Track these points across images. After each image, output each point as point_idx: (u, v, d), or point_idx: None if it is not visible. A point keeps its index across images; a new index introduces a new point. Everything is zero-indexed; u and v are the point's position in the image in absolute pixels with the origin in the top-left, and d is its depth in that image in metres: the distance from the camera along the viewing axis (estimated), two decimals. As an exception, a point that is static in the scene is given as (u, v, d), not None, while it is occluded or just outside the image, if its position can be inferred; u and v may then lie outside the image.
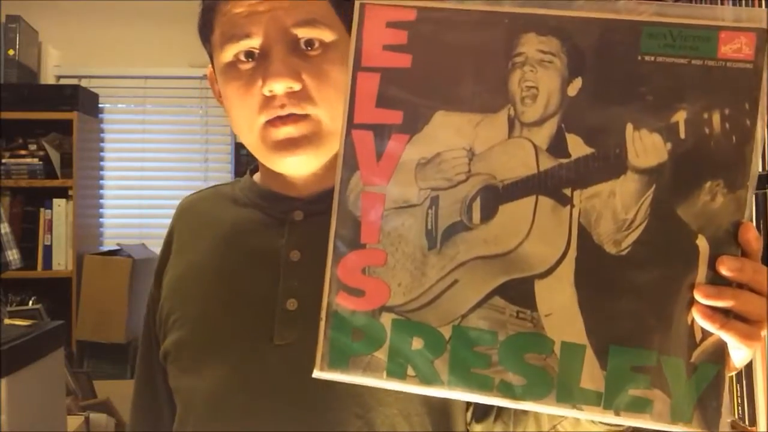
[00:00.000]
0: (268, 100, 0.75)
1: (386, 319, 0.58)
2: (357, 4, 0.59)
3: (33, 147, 3.07)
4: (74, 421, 2.24)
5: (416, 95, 0.58)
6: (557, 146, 0.56)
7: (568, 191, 0.56)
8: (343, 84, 0.78)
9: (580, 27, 0.56)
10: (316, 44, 0.76)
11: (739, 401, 1.06)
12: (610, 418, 0.56)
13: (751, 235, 0.54)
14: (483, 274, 0.57)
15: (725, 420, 0.55)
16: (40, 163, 3.04)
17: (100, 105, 3.48)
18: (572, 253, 0.56)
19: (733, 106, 0.54)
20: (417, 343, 0.58)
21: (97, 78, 3.57)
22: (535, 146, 0.57)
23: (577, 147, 0.56)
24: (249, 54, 0.76)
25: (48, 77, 3.46)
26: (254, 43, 0.75)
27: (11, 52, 3.16)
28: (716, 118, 0.55)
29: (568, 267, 0.56)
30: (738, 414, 1.07)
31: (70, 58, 3.53)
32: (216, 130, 3.62)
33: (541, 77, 0.56)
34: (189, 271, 0.86)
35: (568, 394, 0.56)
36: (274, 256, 0.80)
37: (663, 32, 0.55)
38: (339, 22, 0.78)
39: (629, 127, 0.55)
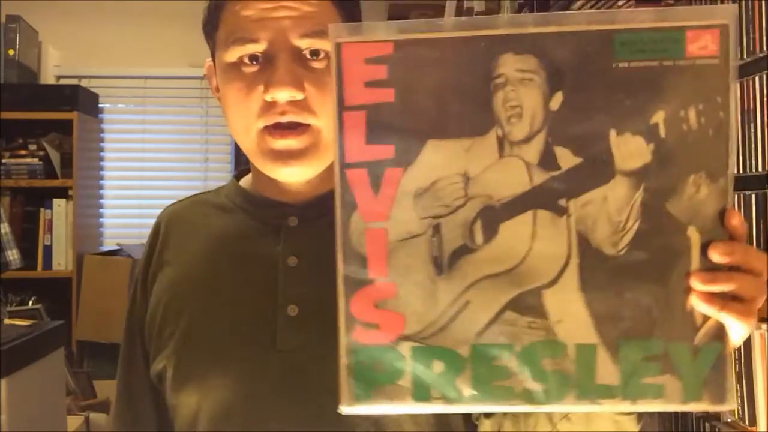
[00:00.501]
0: (268, 106, 0.75)
1: (405, 347, 0.59)
2: (332, 44, 0.59)
3: (33, 147, 3.07)
4: (74, 421, 2.24)
5: (405, 128, 0.59)
6: (547, 160, 0.58)
7: (563, 201, 0.58)
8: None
9: (555, 42, 0.58)
10: (322, 54, 0.76)
11: (739, 401, 1.06)
12: (627, 407, 0.60)
13: (736, 220, 0.58)
14: (492, 291, 0.59)
15: (732, 393, 0.59)
16: (40, 163, 3.05)
17: (100, 105, 3.48)
18: (574, 259, 0.59)
19: (706, 101, 0.57)
20: (438, 367, 0.59)
21: (97, 78, 3.57)
22: (526, 163, 0.58)
23: (566, 158, 0.58)
24: (253, 57, 0.76)
25: (48, 77, 3.46)
26: (260, 47, 0.75)
27: (11, 52, 3.16)
28: (692, 114, 0.57)
29: (572, 273, 0.59)
30: (738, 414, 1.07)
31: (70, 58, 3.53)
32: (216, 130, 3.62)
33: (523, 96, 0.58)
34: (181, 283, 0.83)
35: (586, 391, 0.59)
36: (271, 263, 0.79)
37: (633, 38, 0.57)
38: None
39: (612, 133, 0.58)
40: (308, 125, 0.76)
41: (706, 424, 1.14)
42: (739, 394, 1.06)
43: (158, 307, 0.83)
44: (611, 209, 0.58)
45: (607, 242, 0.58)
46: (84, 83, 3.45)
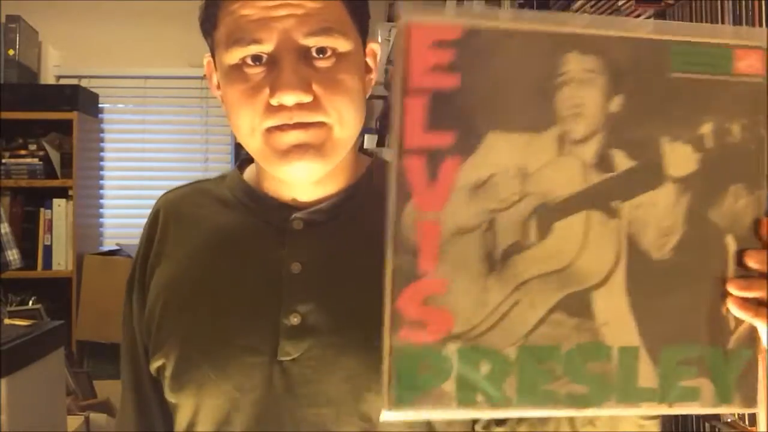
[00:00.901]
0: (275, 108, 0.72)
1: (451, 349, 0.57)
2: (401, 24, 0.56)
3: (33, 147, 3.07)
4: (74, 421, 2.24)
5: (468, 116, 0.57)
6: (603, 161, 0.59)
7: (615, 203, 0.59)
8: (356, 92, 0.76)
9: (618, 46, 0.58)
10: (329, 52, 0.73)
11: (739, 401, 1.06)
12: (665, 410, 0.61)
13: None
14: (542, 291, 0.58)
15: (762, 396, 0.61)
16: (40, 163, 3.04)
17: (100, 105, 3.48)
18: (623, 261, 0.59)
19: (749, 117, 0.60)
20: (485, 369, 0.58)
21: (97, 78, 3.56)
22: (582, 162, 0.59)
23: (621, 161, 0.59)
24: (256, 58, 0.73)
25: (48, 77, 3.46)
26: (264, 48, 0.72)
27: (11, 52, 3.16)
28: (736, 128, 0.60)
29: (620, 275, 0.59)
30: (738, 414, 1.07)
31: (70, 58, 3.53)
32: (216, 130, 3.62)
33: (585, 95, 0.58)
34: (181, 280, 0.81)
35: (628, 394, 0.59)
36: (274, 267, 0.77)
37: (689, 51, 0.59)
38: (353, 29, 0.76)
39: (665, 139, 0.59)
40: (316, 122, 0.73)
41: (706, 424, 1.14)
42: (739, 394, 1.06)
43: (157, 302, 0.81)
44: (660, 214, 0.59)
45: (654, 246, 0.59)
46: (84, 83, 3.45)
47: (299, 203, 0.80)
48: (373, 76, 0.83)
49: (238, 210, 0.83)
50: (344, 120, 0.74)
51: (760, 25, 1.08)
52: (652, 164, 0.59)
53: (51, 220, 3.07)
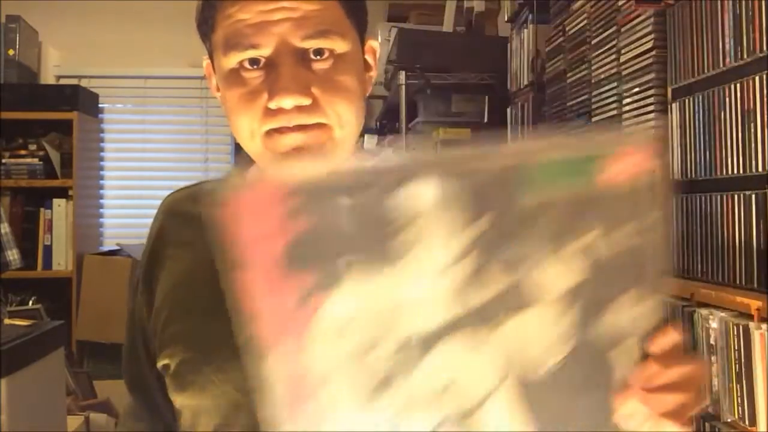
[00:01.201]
0: (274, 112, 0.72)
1: None
2: (222, 196, 0.56)
3: (33, 147, 3.07)
4: (74, 421, 2.24)
5: (322, 255, 0.56)
6: (477, 281, 0.57)
7: (492, 323, 0.57)
8: (355, 92, 0.75)
9: (479, 167, 0.56)
10: (326, 54, 0.73)
11: (739, 401, 1.06)
12: None
13: (668, 336, 0.60)
14: (422, 418, 0.58)
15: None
16: (40, 163, 3.05)
17: (100, 105, 3.48)
18: (508, 380, 0.58)
19: (637, 220, 0.58)
20: None
21: (97, 78, 3.57)
22: (453, 287, 0.56)
23: (497, 279, 0.57)
24: (254, 61, 0.73)
25: (48, 77, 3.46)
26: (261, 53, 0.72)
27: (11, 52, 3.16)
28: (622, 233, 0.58)
29: (507, 393, 0.58)
30: (738, 414, 1.07)
31: (70, 58, 3.54)
32: (216, 130, 3.62)
33: (443, 221, 0.56)
34: (186, 282, 0.82)
35: None
36: None
37: (557, 166, 0.57)
38: (351, 28, 0.76)
39: (542, 254, 0.57)
40: (317, 123, 0.73)
41: (707, 424, 1.14)
42: (739, 394, 1.06)
43: (164, 303, 0.82)
44: (545, 329, 0.58)
45: (541, 362, 0.58)
46: (84, 83, 3.45)
47: None
48: (373, 74, 0.83)
49: None
50: (344, 120, 0.74)
51: (761, 25, 1.08)
52: (531, 280, 0.57)
53: (51, 220, 3.08)
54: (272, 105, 0.71)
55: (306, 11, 0.72)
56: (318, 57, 0.73)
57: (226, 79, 0.76)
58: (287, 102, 0.71)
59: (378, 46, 0.83)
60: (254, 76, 0.73)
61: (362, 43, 0.80)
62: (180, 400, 0.79)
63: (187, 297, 0.81)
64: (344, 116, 0.74)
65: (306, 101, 0.71)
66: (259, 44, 0.72)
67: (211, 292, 0.79)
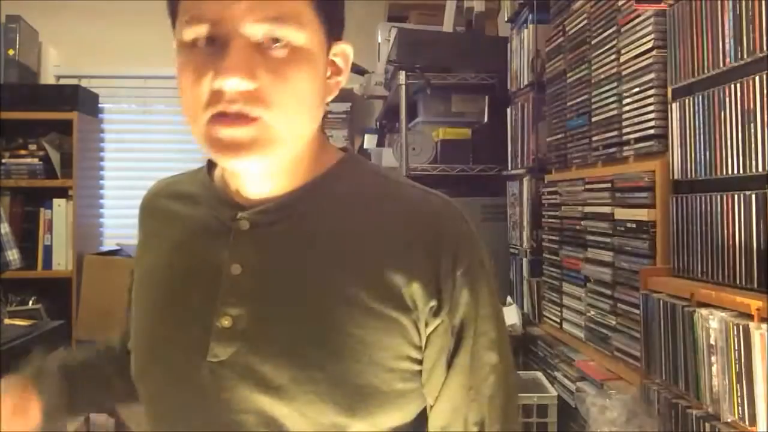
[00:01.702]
0: (217, 95, 0.69)
1: None
2: None
3: (33, 147, 3.07)
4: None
5: None
6: None
7: None
8: (307, 89, 0.71)
9: None
10: (283, 42, 0.70)
11: (739, 401, 1.06)
12: None
13: None
14: None
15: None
16: (40, 163, 3.05)
17: (100, 105, 3.48)
18: None
19: None
20: None
21: (97, 78, 3.57)
22: None
23: None
24: (210, 40, 0.70)
25: (48, 77, 3.46)
26: (213, 30, 0.69)
27: (11, 52, 3.16)
28: None
29: None
30: (738, 414, 1.07)
31: (70, 58, 3.53)
32: (216, 130, 3.62)
33: None
34: (146, 274, 0.85)
35: None
36: (217, 268, 0.76)
37: None
38: (316, 23, 0.73)
39: None
40: (257, 118, 0.69)
41: (707, 424, 1.14)
42: (739, 394, 1.06)
43: (135, 292, 0.86)
44: None
45: None
46: (84, 83, 3.45)
47: (250, 201, 0.78)
48: (341, 79, 0.79)
49: (202, 207, 0.83)
50: (288, 116, 0.71)
51: (761, 25, 1.08)
52: None
53: (51, 220, 3.07)
54: (216, 84, 0.68)
55: None
56: (275, 45, 0.70)
57: (180, 55, 0.75)
58: (231, 82, 0.67)
59: (351, 51, 0.79)
60: (204, 53, 0.71)
61: (331, 42, 0.76)
62: (135, 383, 0.83)
63: (143, 288, 0.85)
64: (289, 111, 0.71)
65: (252, 84, 0.68)
66: (214, 20, 0.69)
67: (162, 285, 0.82)
